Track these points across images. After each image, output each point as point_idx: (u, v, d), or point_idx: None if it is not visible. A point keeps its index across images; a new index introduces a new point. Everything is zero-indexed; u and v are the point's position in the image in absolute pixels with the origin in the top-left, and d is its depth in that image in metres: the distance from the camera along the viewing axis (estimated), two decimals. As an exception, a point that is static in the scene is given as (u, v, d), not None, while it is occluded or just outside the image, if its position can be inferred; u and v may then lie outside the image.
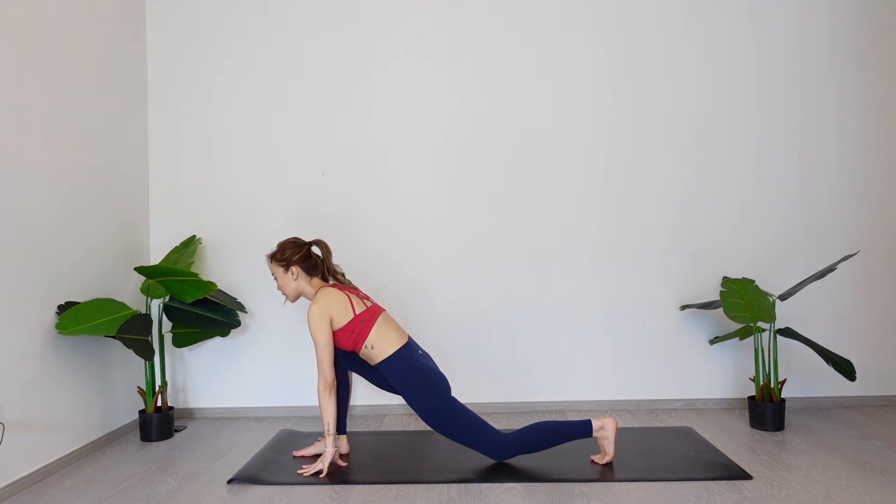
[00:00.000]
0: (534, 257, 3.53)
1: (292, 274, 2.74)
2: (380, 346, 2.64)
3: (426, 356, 2.74)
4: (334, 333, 2.66)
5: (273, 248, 2.87)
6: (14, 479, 2.49)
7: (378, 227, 3.55)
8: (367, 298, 2.77)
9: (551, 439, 2.60)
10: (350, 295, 2.71)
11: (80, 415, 2.92)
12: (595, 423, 2.61)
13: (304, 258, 2.75)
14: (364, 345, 2.64)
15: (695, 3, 3.52)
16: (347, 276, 3.50)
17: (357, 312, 2.66)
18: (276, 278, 2.78)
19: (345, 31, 3.55)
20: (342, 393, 2.85)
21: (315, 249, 2.82)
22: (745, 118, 3.51)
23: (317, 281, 2.78)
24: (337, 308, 2.64)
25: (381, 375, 2.77)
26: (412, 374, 2.61)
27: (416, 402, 2.60)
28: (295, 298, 2.79)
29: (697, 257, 3.52)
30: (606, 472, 2.54)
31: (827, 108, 3.51)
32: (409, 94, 3.55)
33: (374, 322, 2.66)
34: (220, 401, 3.57)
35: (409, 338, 2.73)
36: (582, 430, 2.60)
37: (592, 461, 2.65)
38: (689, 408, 3.51)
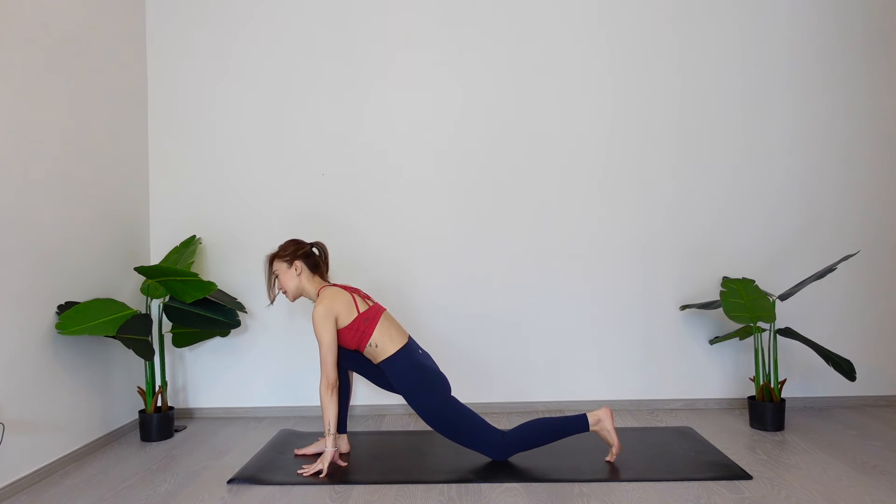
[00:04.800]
0: (534, 257, 3.53)
1: (296, 269, 2.75)
2: (382, 344, 2.65)
3: (426, 356, 2.75)
4: (339, 332, 2.67)
5: (273, 249, 2.89)
6: (14, 479, 2.50)
7: (378, 227, 3.55)
8: (369, 298, 2.79)
9: (550, 434, 2.60)
10: (353, 294, 2.72)
11: (80, 415, 2.92)
12: (591, 418, 2.61)
13: (307, 254, 2.78)
14: (368, 343, 2.65)
15: (694, 3, 3.52)
16: (347, 276, 3.52)
17: (360, 311, 2.67)
18: (276, 277, 2.79)
19: (345, 31, 3.55)
20: (343, 392, 2.85)
21: (315, 251, 2.84)
22: (746, 117, 3.51)
23: (318, 280, 2.79)
24: (342, 306, 2.65)
25: (382, 375, 2.78)
26: (412, 373, 2.62)
27: (416, 401, 2.61)
28: (295, 297, 2.79)
29: (698, 257, 3.52)
30: (606, 472, 2.54)
31: (827, 109, 3.51)
32: (408, 93, 3.54)
33: (378, 321, 2.68)
34: (220, 401, 3.57)
35: (410, 337, 2.74)
36: (578, 424, 2.60)
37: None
38: (689, 408, 3.51)
